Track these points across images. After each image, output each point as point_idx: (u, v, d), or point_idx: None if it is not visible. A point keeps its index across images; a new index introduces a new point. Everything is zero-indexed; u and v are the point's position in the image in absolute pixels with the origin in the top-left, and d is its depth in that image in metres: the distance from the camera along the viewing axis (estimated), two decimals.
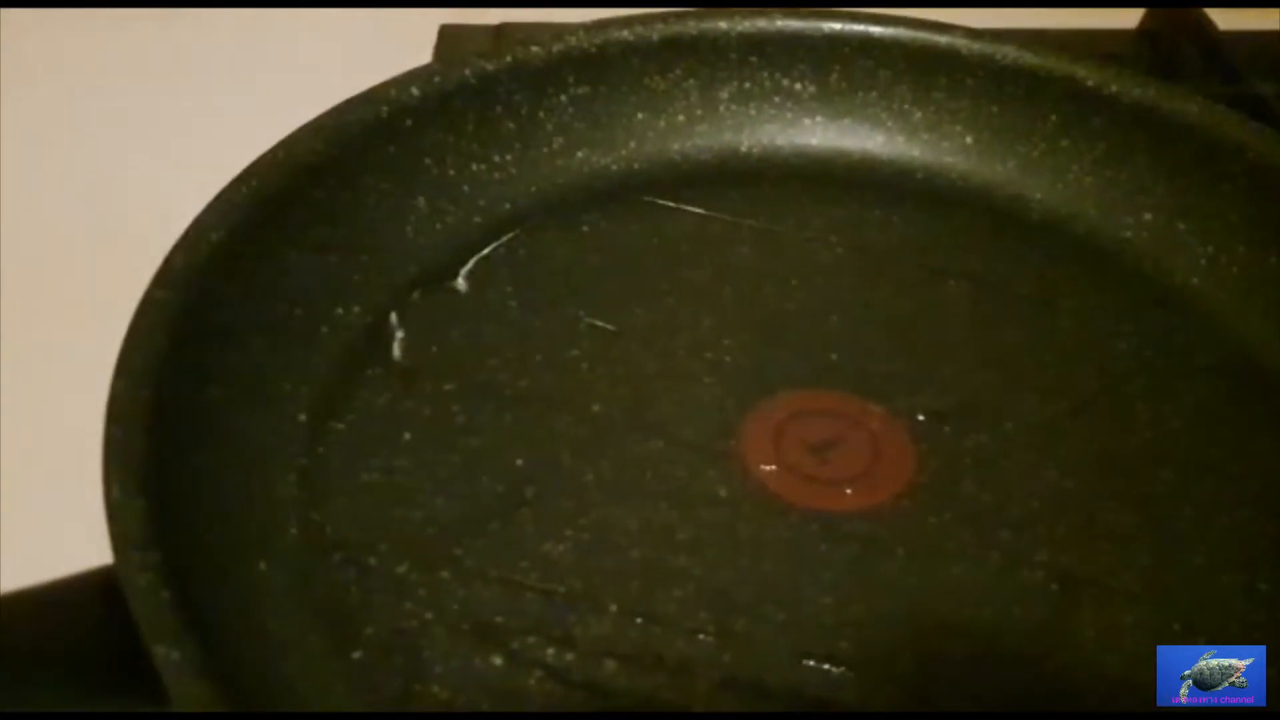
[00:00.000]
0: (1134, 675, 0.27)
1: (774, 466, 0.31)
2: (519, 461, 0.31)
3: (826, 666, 0.27)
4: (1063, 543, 0.30)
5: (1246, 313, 0.36)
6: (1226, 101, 0.49)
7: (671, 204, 0.40)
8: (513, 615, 0.28)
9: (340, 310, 0.35)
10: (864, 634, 0.27)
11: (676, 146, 0.42)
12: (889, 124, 0.42)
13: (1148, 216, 0.39)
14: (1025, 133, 0.41)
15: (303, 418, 0.32)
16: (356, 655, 0.27)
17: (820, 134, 0.42)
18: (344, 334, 0.34)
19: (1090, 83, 0.39)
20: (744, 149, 0.42)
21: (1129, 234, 0.39)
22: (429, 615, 0.28)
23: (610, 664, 0.27)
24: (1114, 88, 0.39)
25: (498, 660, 0.27)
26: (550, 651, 0.27)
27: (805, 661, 0.27)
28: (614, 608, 0.28)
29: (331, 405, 0.32)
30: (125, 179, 0.47)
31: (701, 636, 0.27)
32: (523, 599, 0.28)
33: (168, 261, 0.30)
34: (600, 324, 0.35)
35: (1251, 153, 0.37)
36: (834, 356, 0.35)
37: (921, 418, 0.32)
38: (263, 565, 0.28)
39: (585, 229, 0.39)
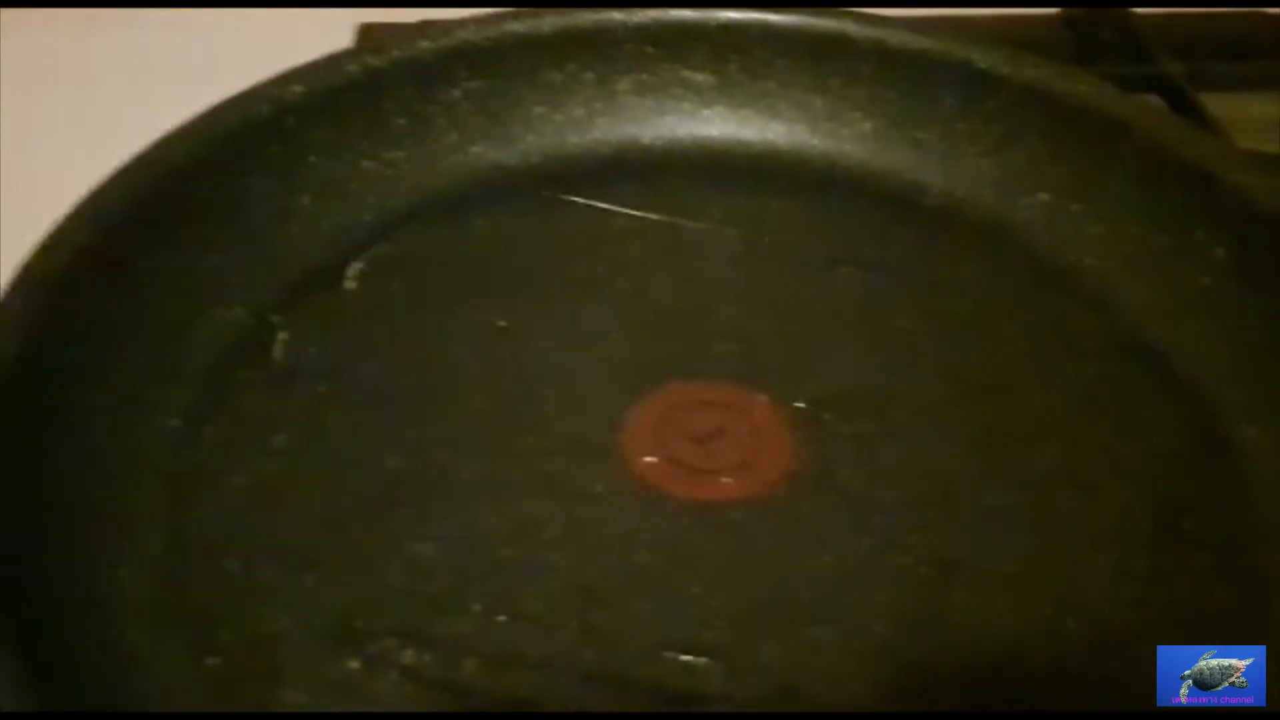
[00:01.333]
0: (1002, 659, 0.27)
1: (654, 458, 0.31)
2: (391, 462, 0.31)
3: (689, 658, 0.26)
4: (938, 526, 0.29)
5: (1137, 293, 0.36)
6: (1138, 82, 0.49)
7: (569, 198, 0.40)
8: (373, 617, 0.27)
9: (220, 312, 0.34)
10: (730, 624, 0.27)
11: (575, 140, 0.41)
12: (788, 113, 0.42)
13: (1043, 198, 0.39)
14: (922, 117, 0.40)
15: (174, 422, 0.31)
16: (212, 662, 0.26)
17: (720, 124, 0.42)
18: (223, 336, 0.34)
19: (983, 65, 0.39)
20: (644, 141, 0.42)
21: (1025, 216, 0.39)
22: (288, 620, 0.27)
23: (469, 663, 0.26)
24: (1006, 70, 0.39)
25: (354, 663, 0.26)
26: (409, 653, 0.26)
27: (667, 654, 0.27)
28: (477, 607, 0.27)
29: (205, 409, 0.32)
30: (31, 175, 0.46)
31: (563, 632, 0.27)
32: (384, 601, 0.28)
33: (24, 267, 0.30)
34: (488, 320, 0.35)
35: (1139, 131, 0.37)
36: (722, 347, 0.34)
37: (801, 405, 0.32)
38: (122, 572, 0.28)
39: (479, 224, 0.39)
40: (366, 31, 0.54)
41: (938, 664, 0.27)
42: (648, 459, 0.31)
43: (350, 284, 0.36)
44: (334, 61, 0.38)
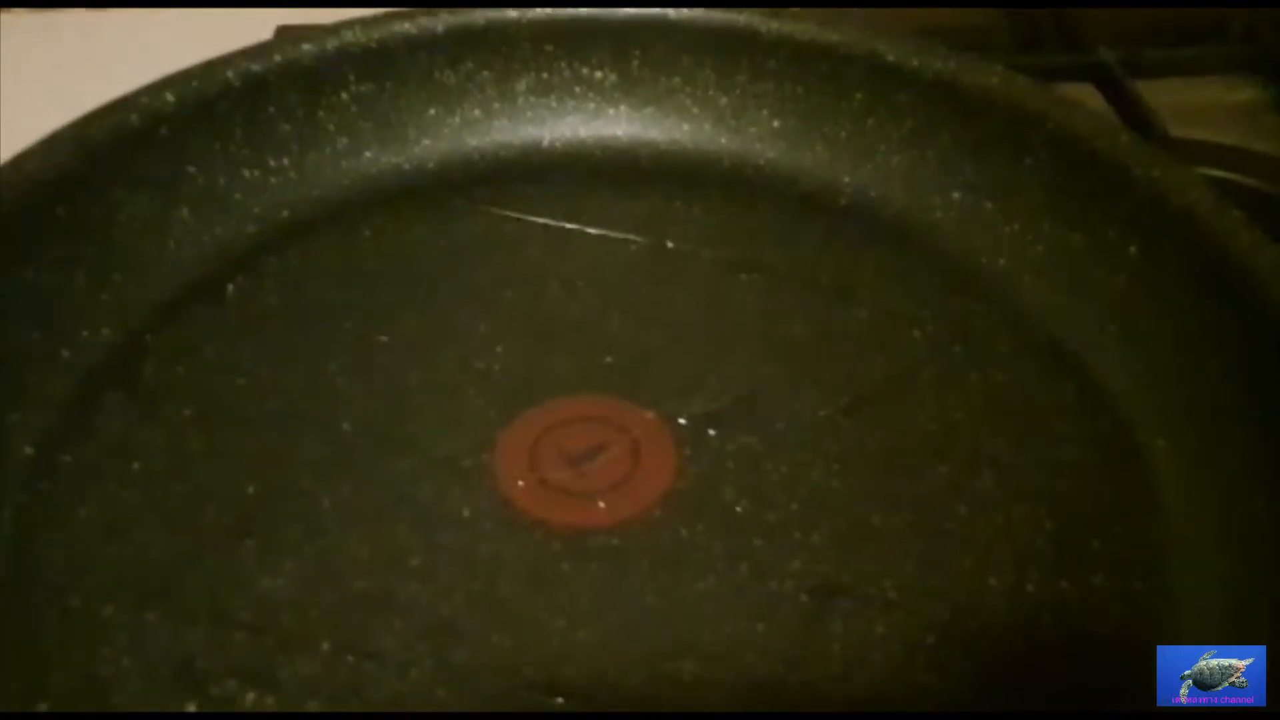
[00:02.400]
0: (877, 688, 0.25)
1: (525, 481, 0.29)
2: (251, 489, 0.29)
3: (543, 697, 0.25)
4: (821, 550, 0.28)
5: (1050, 294, 0.35)
6: (1074, 70, 0.48)
7: (466, 204, 0.38)
8: (216, 657, 0.26)
9: (86, 332, 0.33)
10: (592, 659, 0.26)
11: (474, 143, 0.40)
12: (694, 111, 0.40)
13: (956, 195, 0.37)
14: (832, 114, 0.39)
15: (28, 450, 0.30)
16: (42, 707, 0.25)
17: (625, 125, 0.40)
18: (88, 358, 0.32)
19: (891, 58, 0.37)
20: (546, 143, 0.40)
21: (938, 215, 0.37)
22: (127, 661, 0.26)
23: (312, 706, 0.25)
24: (915, 62, 0.37)
25: (191, 707, 0.25)
26: (250, 695, 0.25)
27: (523, 694, 0.25)
28: (326, 645, 0.26)
29: (63, 436, 0.30)
30: None
31: (415, 671, 0.25)
32: (230, 639, 0.26)
33: None
34: (369, 335, 0.34)
35: (1051, 124, 0.35)
36: (609, 360, 0.33)
37: (684, 421, 0.31)
38: None
39: (368, 233, 0.37)
40: (284, 34, 0.52)
41: (810, 697, 0.25)
42: (520, 481, 0.29)
43: (230, 300, 0.35)
44: (210, 68, 0.36)
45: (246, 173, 0.37)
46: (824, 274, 0.36)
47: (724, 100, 0.40)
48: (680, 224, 0.38)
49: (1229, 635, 0.26)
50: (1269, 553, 0.27)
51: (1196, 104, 0.49)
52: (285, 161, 0.37)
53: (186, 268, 0.35)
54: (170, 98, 0.35)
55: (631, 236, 0.37)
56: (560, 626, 0.26)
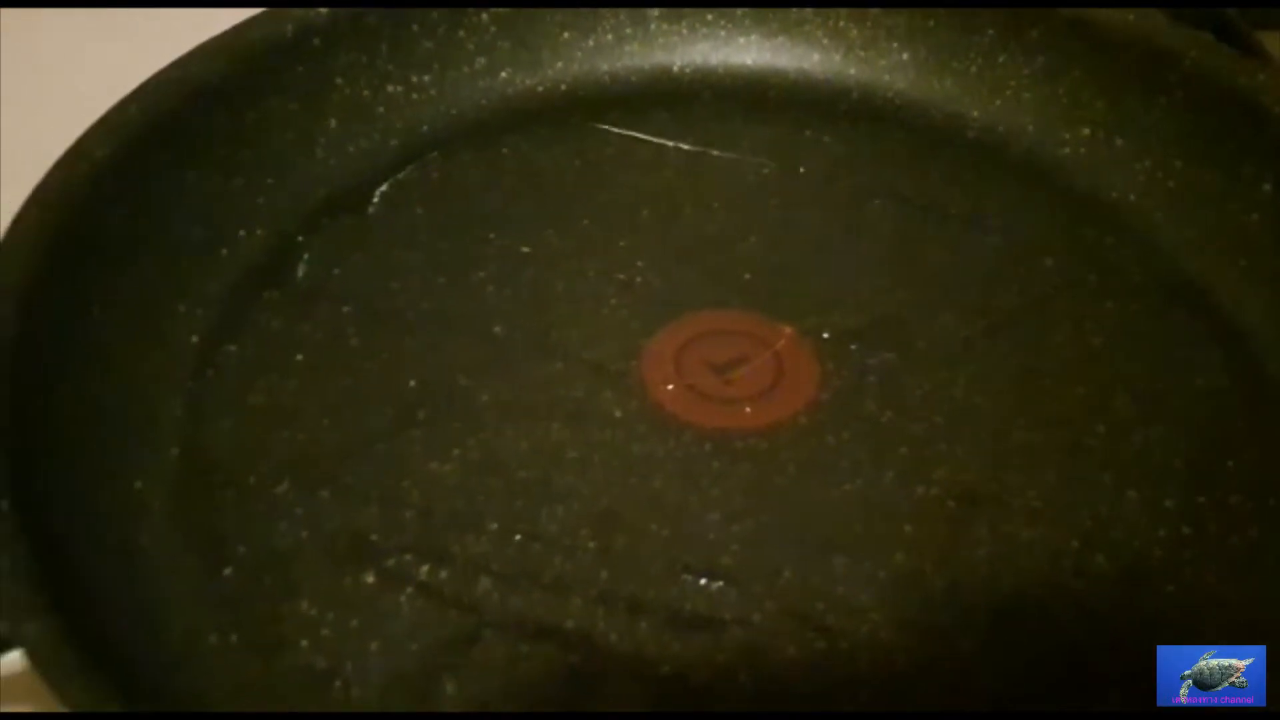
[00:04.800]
0: (1025, 592, 0.26)
1: (673, 386, 0.30)
2: (412, 383, 0.30)
3: (704, 581, 0.26)
4: (965, 460, 0.29)
5: (1181, 229, 0.35)
6: (1193, 20, 0.48)
7: (598, 125, 0.39)
8: (390, 534, 0.27)
9: (243, 233, 0.34)
10: (747, 549, 0.27)
11: (605, 67, 0.41)
12: (825, 41, 0.41)
13: (1086, 132, 0.37)
14: (963, 48, 0.39)
15: (194, 340, 0.31)
16: (228, 572, 0.26)
17: (755, 53, 0.41)
18: (245, 256, 0.34)
19: None
20: (676, 69, 0.41)
21: (1067, 151, 0.38)
22: (304, 534, 0.27)
23: (484, 581, 0.26)
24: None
25: (369, 578, 0.26)
26: (424, 569, 0.26)
27: (684, 576, 0.26)
28: (495, 526, 0.27)
29: (226, 328, 0.32)
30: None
31: (581, 553, 0.27)
32: (402, 518, 0.27)
33: (45, 181, 0.29)
34: (512, 246, 0.35)
35: (1188, 62, 0.35)
36: (747, 277, 0.34)
37: (827, 336, 0.31)
38: (139, 484, 0.28)
39: (505, 151, 0.38)
40: None
41: (959, 596, 0.26)
42: (666, 386, 0.30)
43: (375, 208, 0.36)
44: None
45: (390, 88, 0.38)
46: (954, 204, 0.36)
47: (854, 31, 0.40)
48: (810, 151, 0.38)
49: None
50: None
51: None
52: (426, 79, 0.38)
53: (333, 176, 0.36)
54: (322, 10, 0.36)
55: (763, 161, 0.38)
56: (715, 519, 0.27)
